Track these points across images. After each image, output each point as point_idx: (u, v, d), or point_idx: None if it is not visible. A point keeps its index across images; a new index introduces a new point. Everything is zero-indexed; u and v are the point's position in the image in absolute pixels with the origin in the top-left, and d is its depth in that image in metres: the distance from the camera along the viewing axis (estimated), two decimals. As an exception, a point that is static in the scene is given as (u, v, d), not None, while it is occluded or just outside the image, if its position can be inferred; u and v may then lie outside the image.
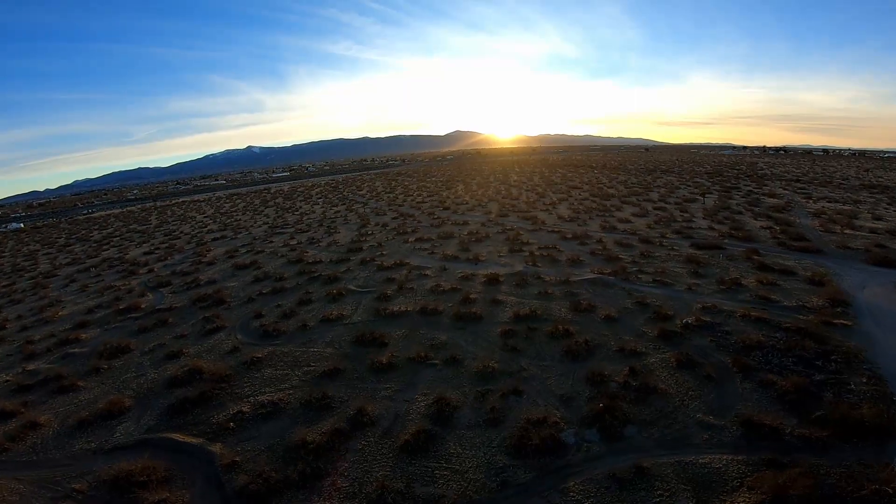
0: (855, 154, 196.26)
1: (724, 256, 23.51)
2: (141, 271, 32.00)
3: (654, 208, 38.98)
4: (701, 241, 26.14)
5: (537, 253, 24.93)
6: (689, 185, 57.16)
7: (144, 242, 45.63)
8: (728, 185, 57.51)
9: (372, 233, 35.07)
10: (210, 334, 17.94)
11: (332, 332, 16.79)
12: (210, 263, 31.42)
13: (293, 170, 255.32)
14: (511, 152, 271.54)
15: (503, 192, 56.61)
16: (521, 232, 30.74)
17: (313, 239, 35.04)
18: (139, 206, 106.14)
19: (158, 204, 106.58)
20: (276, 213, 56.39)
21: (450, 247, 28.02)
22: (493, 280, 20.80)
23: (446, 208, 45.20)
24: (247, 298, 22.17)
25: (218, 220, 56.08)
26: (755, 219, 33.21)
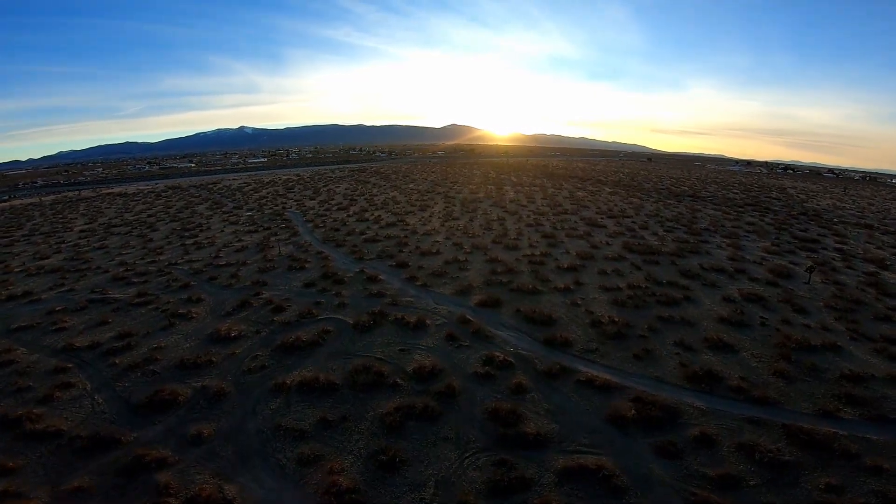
0: (866, 178, 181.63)
1: None
2: None
3: (744, 296, 23.26)
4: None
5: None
6: (748, 232, 41.53)
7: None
8: (798, 232, 42.23)
9: (242, 335, 18.67)
10: None
11: None
12: None
13: (274, 155, 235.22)
14: (506, 152, 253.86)
15: (495, 225, 40.40)
16: (527, 386, 14.52)
17: (128, 338, 18.49)
18: (63, 195, 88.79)
19: (84, 195, 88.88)
20: (167, 237, 39.39)
21: (358, 444, 11.87)
22: None
23: (401, 265, 28.52)
24: None
25: (85, 243, 39.03)
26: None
